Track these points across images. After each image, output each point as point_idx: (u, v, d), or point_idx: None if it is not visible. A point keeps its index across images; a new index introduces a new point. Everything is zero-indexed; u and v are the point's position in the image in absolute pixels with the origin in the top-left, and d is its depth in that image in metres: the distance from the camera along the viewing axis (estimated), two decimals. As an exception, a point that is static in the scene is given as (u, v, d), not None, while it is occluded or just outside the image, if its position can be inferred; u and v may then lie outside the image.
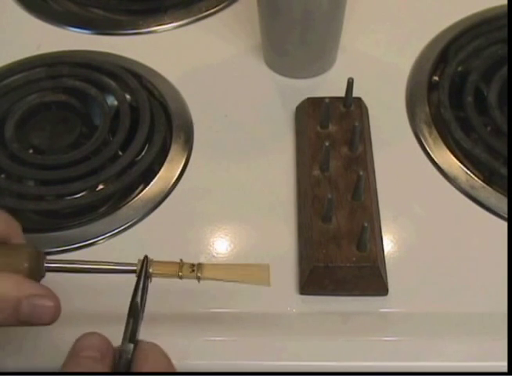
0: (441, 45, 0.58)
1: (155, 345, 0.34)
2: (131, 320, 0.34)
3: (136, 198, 0.49)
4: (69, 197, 0.49)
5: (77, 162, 0.50)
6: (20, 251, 0.37)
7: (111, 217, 0.48)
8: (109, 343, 0.34)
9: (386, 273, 0.44)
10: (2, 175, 0.51)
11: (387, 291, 0.43)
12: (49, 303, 0.35)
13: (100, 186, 0.50)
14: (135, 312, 0.35)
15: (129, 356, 0.33)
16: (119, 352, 0.33)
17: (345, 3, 0.53)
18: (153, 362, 0.33)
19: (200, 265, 0.38)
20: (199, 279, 0.37)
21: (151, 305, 0.41)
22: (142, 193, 0.50)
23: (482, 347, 0.41)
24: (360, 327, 0.43)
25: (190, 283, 0.40)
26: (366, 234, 0.42)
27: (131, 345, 0.33)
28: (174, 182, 0.50)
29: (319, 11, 0.51)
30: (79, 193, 0.49)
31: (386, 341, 0.42)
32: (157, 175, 0.50)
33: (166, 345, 0.40)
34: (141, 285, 0.36)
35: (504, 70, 0.54)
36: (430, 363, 0.41)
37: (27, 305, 0.34)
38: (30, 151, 0.53)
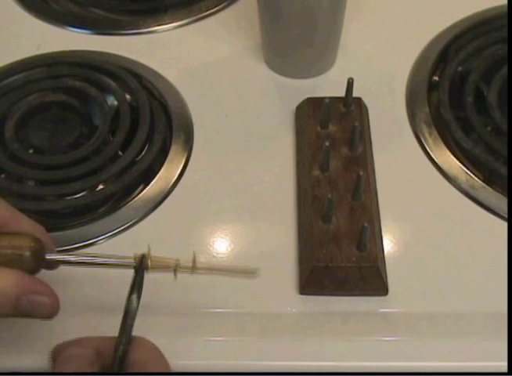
0: (441, 45, 0.58)
1: (148, 340, 0.36)
2: (127, 315, 0.36)
3: (136, 198, 0.49)
4: (69, 197, 0.49)
5: (77, 162, 0.50)
6: (23, 242, 0.37)
7: (111, 217, 0.48)
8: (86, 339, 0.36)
9: (386, 273, 0.44)
10: (2, 175, 0.51)
11: (387, 290, 0.43)
12: (47, 300, 0.36)
13: (100, 186, 0.50)
14: (131, 307, 0.36)
15: (126, 347, 0.35)
16: (115, 344, 0.35)
17: (345, 3, 0.53)
18: (147, 351, 0.35)
19: (194, 269, 0.39)
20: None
21: (151, 305, 0.41)
22: (142, 193, 0.50)
23: (482, 347, 0.41)
24: (360, 327, 0.42)
25: (190, 283, 0.40)
26: (366, 234, 0.42)
27: (128, 337, 0.35)
28: (174, 182, 0.50)
29: (319, 11, 0.51)
30: (79, 193, 0.49)
31: (386, 341, 0.42)
32: (157, 175, 0.50)
33: (166, 345, 0.40)
34: (137, 281, 0.37)
35: (504, 70, 0.54)
36: (430, 363, 0.41)
37: (26, 301, 0.35)
38: (30, 151, 0.53)
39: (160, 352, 0.36)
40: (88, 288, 0.44)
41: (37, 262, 0.37)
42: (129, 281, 0.37)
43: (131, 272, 0.38)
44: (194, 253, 0.39)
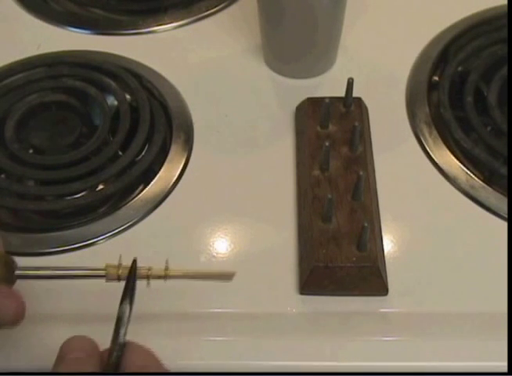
0: (441, 45, 0.58)
1: (142, 346, 0.35)
2: (120, 322, 0.35)
3: (136, 198, 0.49)
4: (69, 197, 0.49)
5: (77, 162, 0.50)
6: None
7: (111, 217, 0.48)
8: (94, 344, 0.35)
9: (386, 273, 0.44)
10: (2, 175, 0.51)
11: (387, 290, 0.43)
12: (12, 303, 0.35)
13: (100, 186, 0.50)
14: (124, 314, 0.35)
15: (119, 353, 0.34)
16: (109, 351, 0.34)
17: (345, 3, 0.53)
18: (142, 357, 0.34)
19: (167, 278, 0.38)
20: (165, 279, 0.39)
21: (150, 306, 0.41)
22: (142, 193, 0.50)
23: (482, 347, 0.41)
24: (360, 327, 0.43)
25: (190, 283, 0.40)
26: (366, 234, 0.42)
27: (121, 344, 0.34)
28: (174, 182, 0.50)
29: (319, 11, 0.51)
30: (79, 193, 0.49)
31: (386, 341, 0.42)
32: (157, 175, 0.50)
33: (166, 344, 0.40)
34: (130, 288, 0.36)
35: (504, 70, 0.54)
36: (430, 363, 0.41)
37: None
38: (30, 151, 0.53)
39: (155, 356, 0.35)
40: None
41: (6, 278, 0.36)
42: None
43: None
44: (167, 261, 0.38)
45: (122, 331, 0.35)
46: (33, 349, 0.42)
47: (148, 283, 0.38)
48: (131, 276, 0.37)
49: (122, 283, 0.37)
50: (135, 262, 0.38)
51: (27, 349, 0.42)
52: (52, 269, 0.39)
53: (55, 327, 0.42)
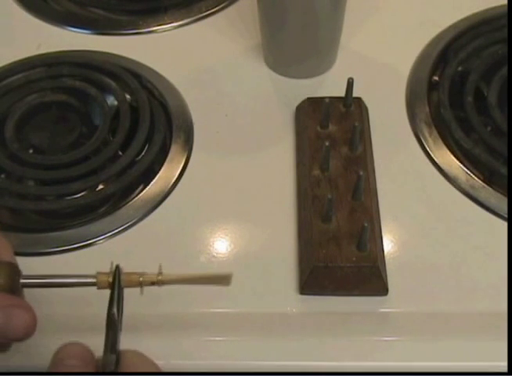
0: (441, 45, 0.58)
1: (138, 353, 0.34)
2: (110, 332, 0.33)
3: (136, 198, 0.49)
4: (69, 197, 0.49)
5: (77, 162, 0.50)
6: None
7: (111, 217, 0.48)
8: (91, 352, 0.33)
9: (386, 273, 0.44)
10: (2, 175, 0.51)
11: (387, 290, 0.43)
12: (25, 315, 0.34)
13: (100, 186, 0.50)
14: (113, 323, 0.34)
15: (112, 367, 0.33)
16: (102, 365, 0.33)
17: (345, 3, 0.53)
18: (139, 367, 0.33)
19: (160, 280, 0.37)
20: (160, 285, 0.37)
21: (150, 305, 0.41)
22: (142, 193, 0.50)
23: (482, 347, 0.41)
24: (360, 327, 0.42)
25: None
26: (366, 234, 0.42)
27: (114, 356, 0.33)
28: (174, 182, 0.50)
29: (319, 11, 0.51)
30: (79, 193, 0.49)
31: (386, 341, 0.42)
32: (157, 175, 0.50)
33: (166, 344, 0.40)
34: (115, 295, 0.35)
35: (504, 70, 0.54)
36: (430, 363, 0.41)
37: (2, 314, 0.33)
38: (30, 151, 0.53)
39: (151, 362, 0.33)
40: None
41: (12, 289, 0.36)
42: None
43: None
44: (160, 266, 0.37)
45: (113, 341, 0.33)
46: (32, 350, 0.42)
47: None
48: (114, 283, 0.35)
49: None
50: (117, 268, 0.36)
51: (27, 350, 0.41)
52: (39, 278, 0.37)
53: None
